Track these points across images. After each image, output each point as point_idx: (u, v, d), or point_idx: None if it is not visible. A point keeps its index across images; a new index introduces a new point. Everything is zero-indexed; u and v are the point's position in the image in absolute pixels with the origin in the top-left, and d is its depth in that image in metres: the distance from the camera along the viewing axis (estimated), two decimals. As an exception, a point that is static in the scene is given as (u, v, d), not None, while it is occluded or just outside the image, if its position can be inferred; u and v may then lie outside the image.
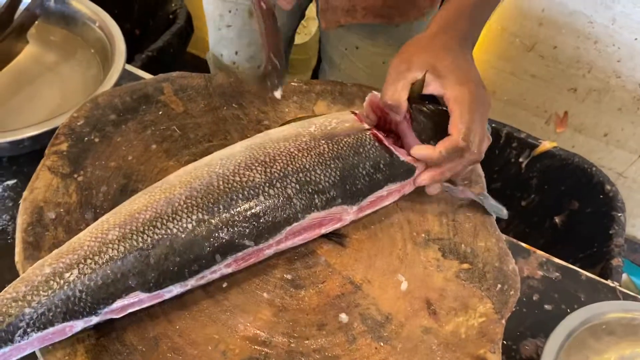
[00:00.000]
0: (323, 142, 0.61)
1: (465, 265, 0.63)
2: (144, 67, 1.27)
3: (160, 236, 0.52)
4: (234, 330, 0.53)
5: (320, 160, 0.59)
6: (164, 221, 0.52)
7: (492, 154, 1.34)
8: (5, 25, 0.87)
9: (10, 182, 0.76)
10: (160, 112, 0.68)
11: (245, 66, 1.09)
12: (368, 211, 0.63)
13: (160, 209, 0.53)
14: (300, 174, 0.58)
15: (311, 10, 1.65)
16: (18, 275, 0.64)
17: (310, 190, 0.57)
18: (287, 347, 0.53)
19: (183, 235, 0.52)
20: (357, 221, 0.63)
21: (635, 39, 1.45)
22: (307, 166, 0.58)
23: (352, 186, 0.60)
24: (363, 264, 0.61)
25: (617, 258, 1.15)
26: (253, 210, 0.55)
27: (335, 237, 0.62)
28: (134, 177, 0.62)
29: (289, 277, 0.58)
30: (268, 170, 0.57)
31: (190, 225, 0.53)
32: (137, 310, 0.53)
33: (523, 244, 0.85)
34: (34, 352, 0.50)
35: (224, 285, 0.56)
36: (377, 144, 0.62)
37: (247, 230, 0.54)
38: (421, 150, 0.62)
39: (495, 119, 1.27)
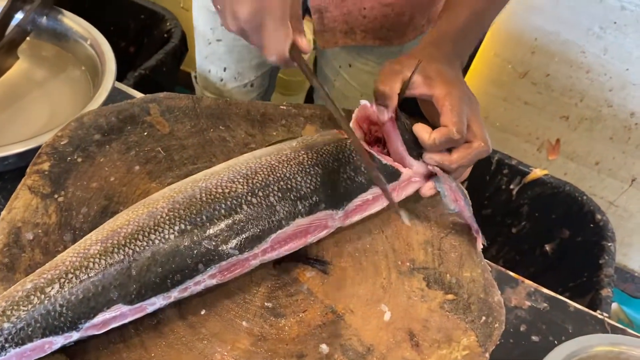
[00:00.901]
0: (303, 152, 0.62)
1: (450, 296, 0.62)
2: (136, 85, 1.27)
3: (142, 248, 0.51)
4: (211, 359, 0.52)
5: (300, 169, 0.60)
6: (146, 233, 0.52)
7: (483, 181, 1.34)
8: (-4, 41, 0.87)
9: (-7, 199, 0.75)
10: (145, 133, 0.67)
11: (233, 84, 1.09)
12: (356, 217, 0.63)
13: (143, 222, 0.53)
14: (282, 182, 0.58)
15: (307, 32, 1.66)
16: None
17: (292, 197, 0.58)
18: (264, 377, 0.52)
19: (165, 246, 0.52)
20: (340, 248, 0.62)
21: (627, 69, 1.47)
22: (288, 175, 0.59)
23: (335, 191, 0.61)
24: (346, 292, 0.60)
25: (607, 288, 1.15)
26: (236, 219, 0.55)
27: (319, 264, 0.61)
28: (115, 199, 0.61)
29: (269, 305, 0.57)
30: (250, 181, 0.57)
31: (172, 236, 0.52)
32: (111, 337, 0.52)
33: (511, 273, 0.84)
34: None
35: (202, 312, 0.55)
36: (356, 148, 0.63)
37: (231, 239, 0.54)
38: (419, 128, 0.65)
39: (486, 145, 1.27)
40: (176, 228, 0.53)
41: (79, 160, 0.63)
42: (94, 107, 0.75)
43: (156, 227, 0.53)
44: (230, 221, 0.55)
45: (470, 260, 0.66)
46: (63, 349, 0.50)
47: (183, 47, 1.44)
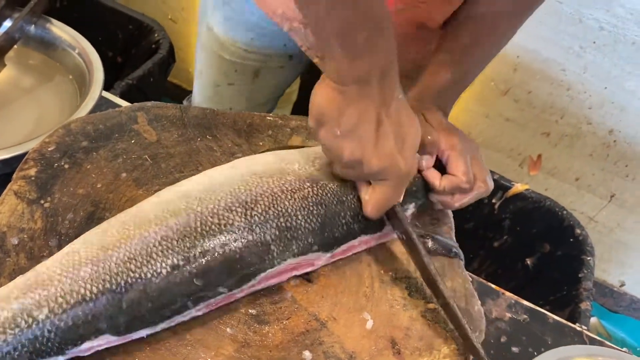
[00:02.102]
0: (308, 185, 0.60)
1: (431, 305, 0.63)
2: (123, 95, 1.27)
3: (134, 280, 0.51)
4: (195, 364, 0.53)
5: (303, 205, 0.58)
6: (138, 264, 0.51)
7: (466, 194, 1.35)
8: (-17, 49, 0.87)
9: (-23, 205, 0.75)
10: (132, 141, 0.68)
11: None
12: (338, 257, 0.63)
13: (134, 248, 0.52)
14: (282, 219, 0.57)
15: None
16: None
17: (289, 237, 0.57)
18: (247, 383, 0.53)
19: (157, 281, 0.51)
20: (325, 258, 0.63)
21: (605, 87, 1.50)
22: (290, 210, 0.58)
23: (330, 234, 0.60)
24: (329, 300, 0.61)
25: (586, 302, 1.17)
26: (229, 258, 0.54)
27: (303, 273, 0.62)
28: (101, 206, 0.61)
29: (253, 312, 0.58)
30: (248, 212, 0.56)
31: (164, 271, 0.52)
32: (96, 343, 0.52)
33: (492, 285, 0.86)
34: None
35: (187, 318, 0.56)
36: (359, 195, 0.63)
37: (222, 278, 0.54)
38: (429, 173, 0.67)
39: (469, 160, 1.30)
40: (168, 262, 0.52)
41: (66, 166, 0.63)
42: (80, 115, 0.76)
43: (148, 258, 0.52)
44: (223, 259, 0.54)
45: (451, 271, 0.67)
46: (46, 354, 0.50)
47: (170, 58, 1.45)
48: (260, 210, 0.56)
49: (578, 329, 0.86)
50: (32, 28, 0.94)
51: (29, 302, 0.48)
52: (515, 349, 0.80)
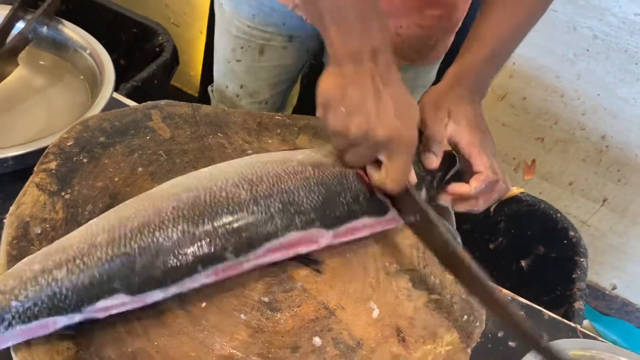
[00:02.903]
0: (310, 168, 0.64)
1: (434, 296, 0.66)
2: (128, 96, 1.29)
3: (146, 244, 0.54)
4: (211, 349, 0.55)
5: (305, 184, 0.62)
6: (151, 230, 0.55)
7: (463, 197, 1.38)
8: (-2, 48, 0.90)
9: (-10, 201, 0.77)
10: (147, 137, 0.70)
11: (248, 100, 1.13)
12: (344, 239, 0.66)
13: (148, 217, 0.55)
14: (284, 194, 0.60)
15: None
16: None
17: (292, 211, 0.60)
18: (261, 367, 0.55)
19: (168, 245, 0.55)
20: (333, 249, 0.66)
21: (598, 94, 1.54)
22: (292, 187, 0.61)
23: (331, 212, 0.63)
24: (337, 290, 0.63)
25: (579, 301, 1.19)
26: (236, 225, 0.57)
27: (313, 263, 0.65)
28: (119, 198, 0.64)
29: (266, 299, 0.60)
30: (254, 188, 0.60)
31: (175, 235, 0.55)
32: (117, 327, 0.54)
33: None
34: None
35: (203, 305, 0.58)
36: (358, 179, 0.66)
37: (229, 244, 0.57)
38: (458, 187, 0.69)
39: (465, 163, 1.32)
40: (179, 227, 0.55)
41: (85, 160, 0.65)
42: (93, 113, 0.78)
43: (161, 225, 0.55)
44: (230, 227, 0.57)
45: (453, 264, 0.70)
46: (70, 337, 0.53)
47: (174, 61, 1.47)
48: (264, 187, 0.60)
49: (572, 325, 0.89)
50: (44, 29, 0.96)
51: (49, 264, 0.52)
52: (512, 344, 0.83)
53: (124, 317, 0.55)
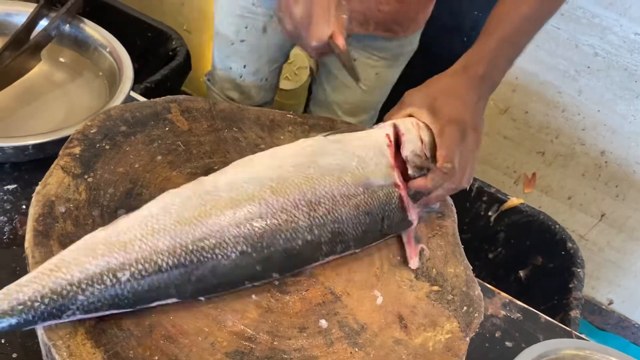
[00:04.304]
0: (361, 190, 0.66)
1: (435, 288, 0.69)
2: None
3: (205, 259, 0.57)
4: (223, 325, 0.58)
5: (354, 214, 0.65)
6: (212, 245, 0.58)
7: (463, 207, 1.41)
8: (22, 43, 0.93)
9: (10, 187, 0.81)
10: (167, 128, 0.74)
11: (251, 79, 1.19)
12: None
13: (210, 229, 0.58)
14: (336, 224, 0.64)
15: (303, 60, 1.75)
16: (12, 273, 0.69)
17: (337, 241, 0.64)
18: (270, 344, 0.58)
19: (226, 263, 0.58)
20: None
21: (598, 110, 1.57)
22: (343, 218, 0.64)
23: (368, 238, 0.68)
24: (344, 277, 0.66)
25: (575, 310, 1.22)
26: (289, 251, 0.61)
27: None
28: (139, 183, 0.67)
29: (276, 283, 0.63)
30: (311, 214, 0.62)
31: (233, 255, 0.58)
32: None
33: (488, 285, 0.91)
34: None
35: (238, 290, 0.62)
36: (399, 204, 0.68)
37: (278, 266, 0.61)
38: (417, 182, 0.70)
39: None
40: (239, 248, 0.59)
41: (107, 147, 0.69)
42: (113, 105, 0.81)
43: (221, 242, 0.58)
44: (284, 252, 0.61)
45: (454, 259, 0.73)
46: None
47: (187, 66, 1.51)
48: (320, 214, 0.63)
49: (568, 329, 0.92)
50: (67, 27, 1.00)
51: (113, 263, 0.55)
52: (508, 344, 0.85)
53: (142, 293, 0.58)
